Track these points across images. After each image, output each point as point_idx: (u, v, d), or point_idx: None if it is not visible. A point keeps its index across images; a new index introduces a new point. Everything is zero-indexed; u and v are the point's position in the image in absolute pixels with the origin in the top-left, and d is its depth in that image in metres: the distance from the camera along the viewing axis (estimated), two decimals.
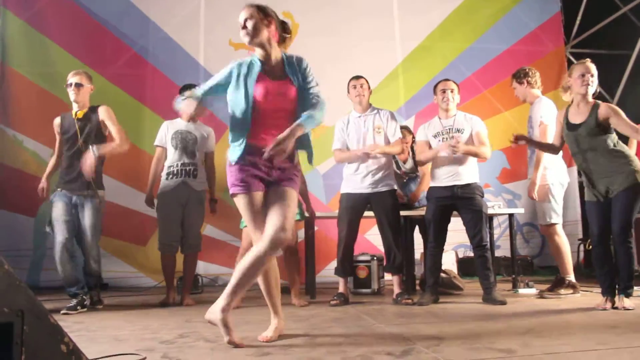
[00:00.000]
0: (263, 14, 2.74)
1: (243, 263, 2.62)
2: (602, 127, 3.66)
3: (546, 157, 4.41)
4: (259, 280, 2.77)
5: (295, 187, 2.81)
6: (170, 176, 4.49)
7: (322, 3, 6.58)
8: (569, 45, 7.15)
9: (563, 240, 4.51)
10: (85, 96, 4.26)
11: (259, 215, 2.70)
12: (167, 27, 6.46)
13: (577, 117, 3.78)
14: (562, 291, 4.42)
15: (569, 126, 3.81)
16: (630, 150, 3.80)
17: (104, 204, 4.25)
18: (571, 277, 4.47)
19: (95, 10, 6.30)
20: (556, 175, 4.51)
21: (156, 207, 4.54)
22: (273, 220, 2.64)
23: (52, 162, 4.40)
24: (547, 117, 4.45)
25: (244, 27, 2.73)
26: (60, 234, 4.03)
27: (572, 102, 3.86)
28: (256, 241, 2.67)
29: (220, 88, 2.79)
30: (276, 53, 2.81)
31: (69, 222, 4.07)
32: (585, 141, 3.71)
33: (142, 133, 6.02)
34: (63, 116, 4.33)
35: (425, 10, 6.89)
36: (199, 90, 2.78)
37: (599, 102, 3.76)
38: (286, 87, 2.78)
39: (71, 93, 4.23)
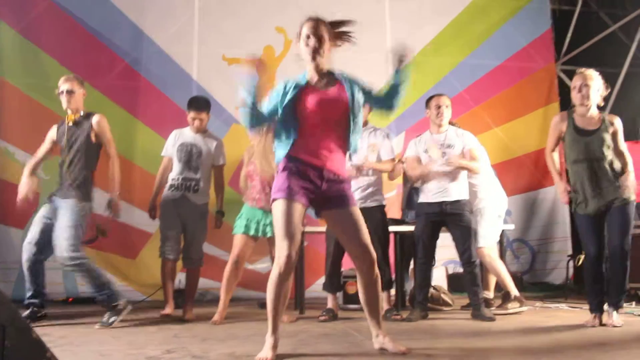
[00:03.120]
0: (328, 28, 2.88)
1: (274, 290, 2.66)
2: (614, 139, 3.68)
3: (481, 185, 4.54)
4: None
5: (353, 202, 2.80)
6: (172, 189, 4.46)
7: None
8: (560, 62, 7.21)
9: (496, 261, 4.54)
10: (78, 102, 4.13)
11: (293, 226, 2.64)
12: (160, 39, 6.41)
13: (588, 123, 3.73)
14: (510, 305, 4.44)
15: (580, 132, 3.73)
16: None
17: (87, 213, 4.03)
18: (515, 291, 4.50)
19: (88, 21, 6.25)
20: (489, 200, 4.59)
21: (159, 216, 4.52)
22: (359, 245, 2.72)
23: (30, 162, 4.19)
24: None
25: (313, 42, 2.78)
26: (29, 234, 4.00)
27: (573, 110, 3.82)
28: (279, 250, 2.63)
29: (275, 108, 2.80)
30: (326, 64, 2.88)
31: (40, 223, 3.99)
32: (595, 149, 3.66)
33: (134, 146, 6.00)
34: (60, 123, 4.20)
35: (417, 26, 6.89)
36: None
37: (605, 114, 3.77)
38: (336, 95, 2.80)
39: (63, 101, 4.11)
